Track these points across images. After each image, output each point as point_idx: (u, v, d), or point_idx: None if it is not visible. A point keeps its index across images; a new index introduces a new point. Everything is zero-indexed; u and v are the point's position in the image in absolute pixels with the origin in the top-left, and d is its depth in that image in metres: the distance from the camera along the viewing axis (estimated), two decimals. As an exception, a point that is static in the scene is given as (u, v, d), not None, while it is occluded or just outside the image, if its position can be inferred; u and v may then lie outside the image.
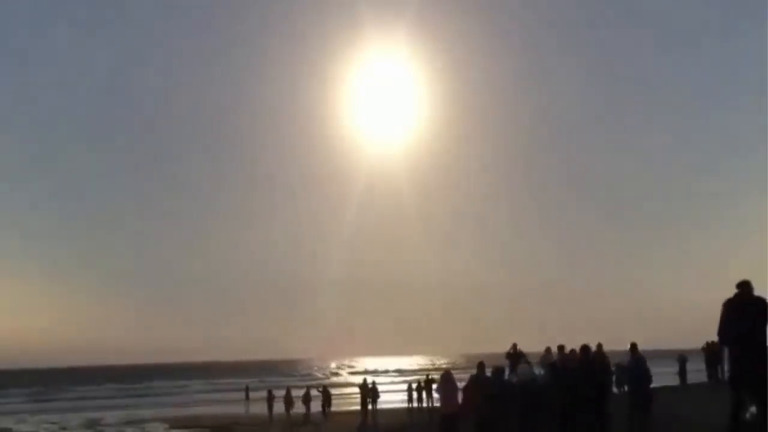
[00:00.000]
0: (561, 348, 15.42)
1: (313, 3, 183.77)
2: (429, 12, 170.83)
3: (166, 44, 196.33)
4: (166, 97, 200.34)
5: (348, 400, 37.21)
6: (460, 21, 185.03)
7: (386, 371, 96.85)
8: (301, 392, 30.77)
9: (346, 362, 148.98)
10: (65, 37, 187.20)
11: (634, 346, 13.34)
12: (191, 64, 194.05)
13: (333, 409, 30.71)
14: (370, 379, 30.06)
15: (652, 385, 13.07)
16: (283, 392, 31.66)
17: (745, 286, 7.86)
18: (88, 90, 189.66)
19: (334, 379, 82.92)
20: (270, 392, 32.78)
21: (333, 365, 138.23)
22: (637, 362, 13.03)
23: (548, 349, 16.67)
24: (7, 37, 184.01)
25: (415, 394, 31.09)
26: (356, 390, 31.00)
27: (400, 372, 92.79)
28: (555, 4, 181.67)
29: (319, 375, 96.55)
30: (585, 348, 12.42)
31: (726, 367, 9.46)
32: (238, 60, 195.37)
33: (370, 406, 27.59)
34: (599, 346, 13.80)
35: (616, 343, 17.84)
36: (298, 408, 30.02)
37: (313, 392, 30.68)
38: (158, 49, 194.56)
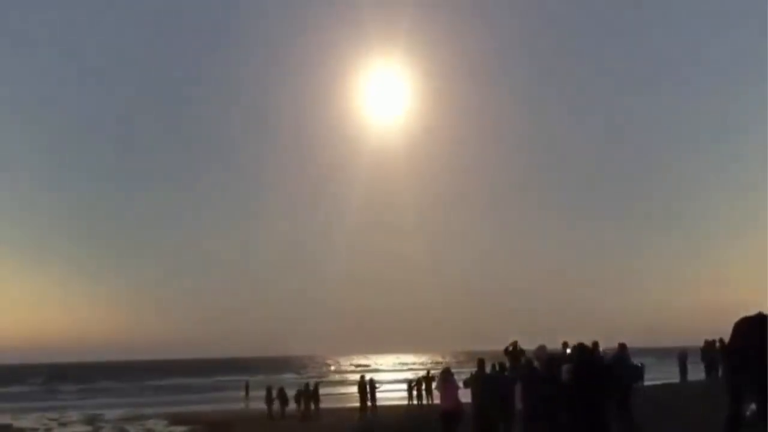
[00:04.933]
0: (565, 344, 15.39)
1: (312, 2, 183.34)
2: (427, 15, 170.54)
3: (176, 47, 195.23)
4: (170, 100, 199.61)
5: (349, 397, 37.28)
6: (459, 22, 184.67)
7: (389, 369, 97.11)
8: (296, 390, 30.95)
9: (353, 359, 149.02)
10: (92, 25, 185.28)
11: (622, 346, 13.37)
12: (188, 63, 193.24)
13: (336, 405, 30.82)
14: (368, 376, 30.26)
15: (652, 383, 13.09)
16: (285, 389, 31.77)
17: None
18: (110, 89, 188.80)
19: (335, 377, 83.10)
20: (269, 389, 32.82)
21: (338, 362, 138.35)
22: (620, 360, 12.99)
23: (542, 347, 16.58)
24: (28, 26, 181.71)
25: (414, 391, 31.19)
26: (355, 387, 31.10)
27: (403, 369, 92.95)
28: (553, 4, 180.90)
29: (320, 372, 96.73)
30: (595, 345, 12.33)
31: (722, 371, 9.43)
32: (238, 62, 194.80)
33: (368, 403, 27.75)
34: (595, 344, 13.79)
35: (614, 341, 17.84)
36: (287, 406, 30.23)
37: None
38: (170, 50, 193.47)
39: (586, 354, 12.05)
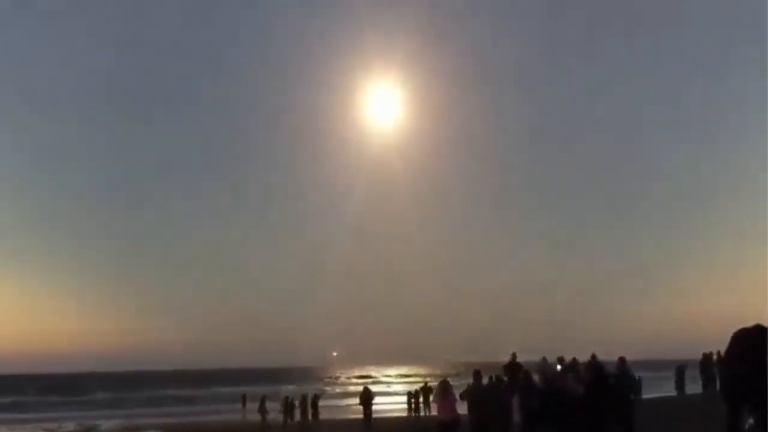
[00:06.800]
0: (561, 359, 15.41)
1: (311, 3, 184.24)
2: (428, 17, 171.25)
3: (185, 49, 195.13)
4: (173, 106, 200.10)
5: (348, 409, 37.24)
6: (460, 25, 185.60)
7: (391, 380, 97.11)
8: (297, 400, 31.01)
9: (356, 371, 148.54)
10: (100, 24, 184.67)
11: (622, 359, 13.38)
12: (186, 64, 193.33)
13: (335, 417, 30.89)
14: (369, 386, 30.58)
15: (650, 396, 13.05)
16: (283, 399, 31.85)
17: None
18: (112, 92, 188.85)
19: (337, 389, 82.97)
20: (263, 399, 32.85)
21: (342, 374, 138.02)
22: (622, 373, 12.96)
23: (544, 359, 16.65)
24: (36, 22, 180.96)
25: (413, 403, 31.22)
26: (357, 398, 31.28)
27: (402, 381, 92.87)
28: (545, 19, 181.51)
29: (322, 383, 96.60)
30: (593, 358, 12.33)
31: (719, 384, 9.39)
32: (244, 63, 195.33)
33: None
34: (592, 356, 13.81)
35: (612, 353, 17.84)
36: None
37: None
38: (179, 53, 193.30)
39: (596, 369, 12.10)
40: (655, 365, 54.83)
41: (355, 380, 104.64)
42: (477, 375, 13.37)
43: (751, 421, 8.06)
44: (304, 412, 29.63)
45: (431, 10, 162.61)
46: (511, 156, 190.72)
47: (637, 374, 22.31)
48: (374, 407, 28.38)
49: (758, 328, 7.76)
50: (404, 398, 35.43)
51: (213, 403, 58.10)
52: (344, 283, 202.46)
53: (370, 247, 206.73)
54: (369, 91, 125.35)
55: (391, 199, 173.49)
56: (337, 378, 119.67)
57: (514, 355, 18.15)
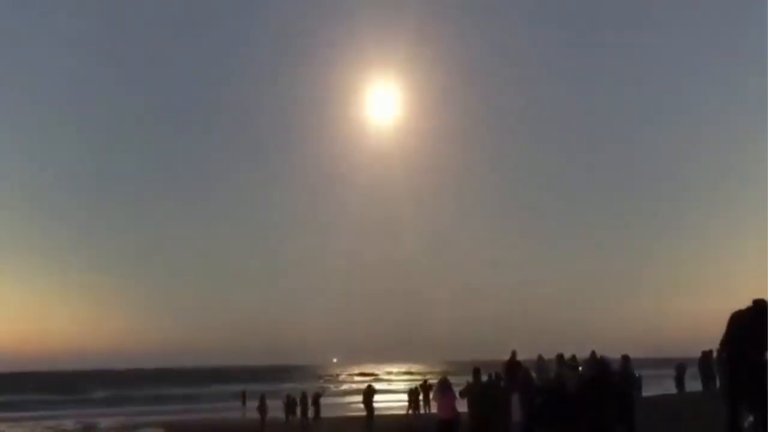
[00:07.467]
0: (560, 357, 15.33)
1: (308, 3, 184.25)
2: (429, 17, 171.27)
3: (187, 49, 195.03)
4: (165, 97, 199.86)
5: (351, 406, 37.24)
6: (460, 26, 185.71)
7: (393, 378, 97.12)
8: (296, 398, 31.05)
9: (359, 369, 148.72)
10: (102, 26, 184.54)
11: (625, 357, 13.32)
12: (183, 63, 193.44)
13: (337, 414, 30.92)
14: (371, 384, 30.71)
15: (650, 394, 13.01)
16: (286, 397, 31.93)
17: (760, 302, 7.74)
18: (113, 94, 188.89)
19: (340, 386, 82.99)
20: (263, 397, 32.85)
21: (344, 371, 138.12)
22: (624, 371, 12.92)
23: (541, 357, 16.59)
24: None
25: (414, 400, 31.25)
26: (358, 395, 31.41)
27: (402, 378, 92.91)
28: (552, 6, 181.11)
29: (324, 381, 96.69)
30: (592, 355, 12.28)
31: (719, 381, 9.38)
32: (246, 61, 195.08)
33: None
34: (592, 353, 13.76)
35: (612, 351, 17.78)
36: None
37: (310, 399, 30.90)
38: (182, 54, 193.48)
39: (601, 367, 12.04)
40: (655, 363, 54.84)
41: (356, 378, 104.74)
42: (476, 373, 13.33)
43: (750, 419, 8.05)
44: (305, 410, 29.63)
45: (430, 11, 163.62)
46: (511, 155, 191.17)
47: (637, 372, 22.32)
48: (375, 404, 28.41)
49: (755, 308, 7.72)
50: (405, 395, 35.43)
51: (213, 401, 58.12)
52: (344, 282, 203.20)
53: (371, 246, 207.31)
54: (369, 90, 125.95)
55: (391, 198, 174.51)
56: (337, 376, 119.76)
57: (513, 353, 18.05)
